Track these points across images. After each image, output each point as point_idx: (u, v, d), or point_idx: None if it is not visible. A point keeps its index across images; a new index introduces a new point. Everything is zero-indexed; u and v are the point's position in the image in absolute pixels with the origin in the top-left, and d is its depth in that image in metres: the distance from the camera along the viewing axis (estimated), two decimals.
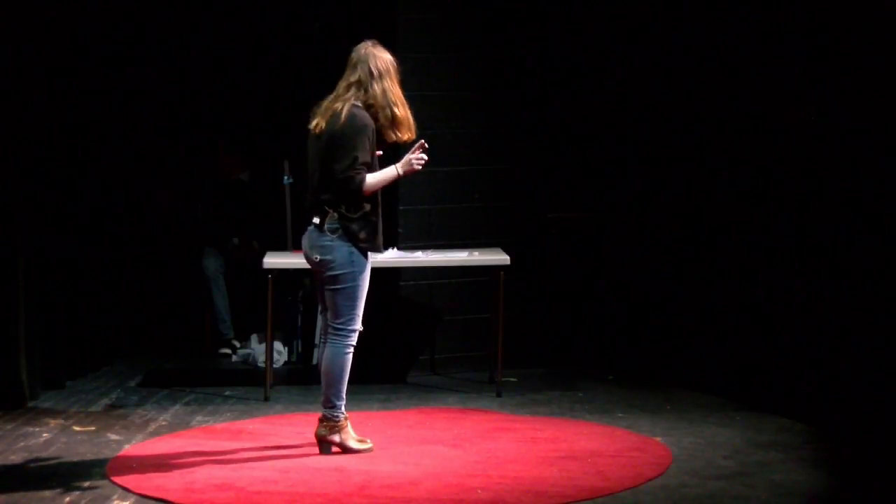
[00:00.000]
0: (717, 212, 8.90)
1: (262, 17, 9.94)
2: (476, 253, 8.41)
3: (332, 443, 6.71)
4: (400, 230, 8.80)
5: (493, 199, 9.06)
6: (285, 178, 9.00)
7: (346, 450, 6.69)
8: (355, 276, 6.59)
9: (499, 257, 8.28)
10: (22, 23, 7.98)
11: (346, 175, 6.48)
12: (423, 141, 6.68)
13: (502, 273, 8.16)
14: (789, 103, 8.38)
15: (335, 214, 6.55)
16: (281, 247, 8.87)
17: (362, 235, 6.56)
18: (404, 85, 8.67)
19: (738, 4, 8.70)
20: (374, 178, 6.56)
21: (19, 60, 7.96)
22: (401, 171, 6.65)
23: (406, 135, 6.63)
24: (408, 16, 8.81)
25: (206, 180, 9.85)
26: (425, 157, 6.69)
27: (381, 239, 6.67)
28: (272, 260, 8.22)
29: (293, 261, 8.14)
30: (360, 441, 6.75)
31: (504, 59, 9.02)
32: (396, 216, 8.78)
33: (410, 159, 6.64)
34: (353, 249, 6.56)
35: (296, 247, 8.70)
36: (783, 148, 8.44)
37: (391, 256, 8.27)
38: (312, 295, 9.17)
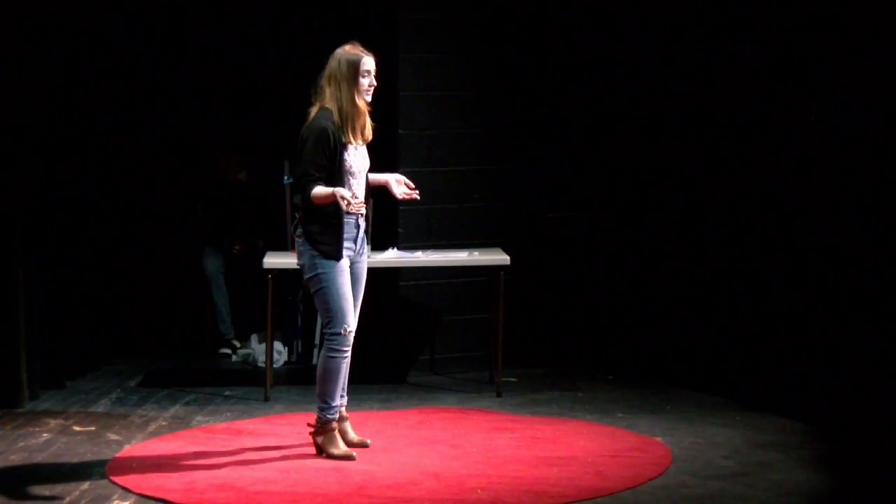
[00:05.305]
0: (718, 212, 8.90)
1: (262, 17, 9.94)
2: (476, 253, 8.41)
3: (316, 444, 6.71)
4: (400, 230, 8.80)
5: (493, 199, 9.06)
6: (285, 178, 9.00)
7: (326, 454, 6.68)
8: (321, 280, 6.54)
9: (499, 257, 8.28)
10: (21, 23, 7.98)
11: (299, 182, 6.49)
12: (364, 206, 6.53)
13: (502, 273, 8.16)
14: (789, 103, 8.38)
15: (299, 217, 6.58)
16: (281, 247, 8.87)
17: (320, 238, 6.52)
18: (404, 85, 8.78)
19: (738, 4, 8.70)
20: (319, 191, 6.42)
21: (18, 61, 7.96)
22: (336, 197, 6.34)
23: (349, 138, 6.51)
24: (408, 16, 8.81)
25: (206, 180, 9.85)
26: (362, 210, 6.48)
27: (342, 243, 6.53)
28: (272, 260, 8.23)
29: (293, 261, 8.13)
30: (345, 447, 6.68)
31: (504, 59, 9.02)
32: (396, 216, 8.78)
33: (349, 202, 6.35)
34: (315, 252, 6.54)
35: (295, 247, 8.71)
36: (783, 147, 8.44)
37: (391, 256, 8.27)
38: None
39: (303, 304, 9.22)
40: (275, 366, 8.87)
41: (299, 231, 6.60)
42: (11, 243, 7.85)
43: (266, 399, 8.08)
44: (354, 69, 6.51)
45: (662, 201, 9.24)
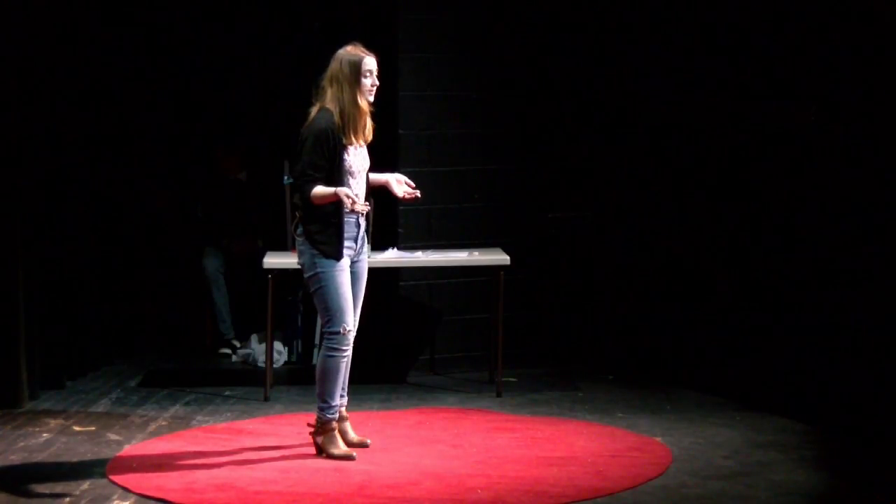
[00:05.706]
0: (717, 211, 8.90)
1: (262, 17, 9.93)
2: (476, 253, 8.41)
3: (315, 444, 6.71)
4: (400, 230, 8.80)
5: (493, 199, 9.05)
6: (285, 177, 9.00)
7: (326, 454, 6.68)
8: (320, 279, 6.54)
9: (499, 257, 8.28)
10: (21, 23, 7.98)
11: (298, 182, 6.50)
12: (367, 205, 6.56)
13: (502, 273, 8.16)
14: (789, 103, 8.38)
15: (299, 217, 6.57)
16: (281, 247, 8.87)
17: (319, 238, 6.52)
18: (404, 85, 8.77)
19: (737, 4, 8.70)
20: (320, 191, 6.43)
21: (18, 60, 7.96)
22: (341, 196, 6.38)
23: (350, 139, 6.50)
24: (408, 16, 8.81)
25: (206, 180, 9.85)
26: (365, 209, 6.50)
27: (342, 243, 6.53)
28: (272, 260, 8.23)
29: (293, 261, 8.13)
30: (345, 447, 6.68)
31: (504, 59, 9.02)
32: (396, 216, 8.78)
33: (354, 201, 6.39)
34: (315, 251, 6.54)
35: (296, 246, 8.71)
36: (783, 148, 8.44)
37: (391, 256, 8.27)
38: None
39: (303, 304, 9.22)
40: (275, 366, 8.87)
41: (299, 230, 6.60)
42: (11, 243, 7.85)
43: (266, 399, 8.08)
44: (356, 70, 6.52)
45: (662, 201, 9.23)
